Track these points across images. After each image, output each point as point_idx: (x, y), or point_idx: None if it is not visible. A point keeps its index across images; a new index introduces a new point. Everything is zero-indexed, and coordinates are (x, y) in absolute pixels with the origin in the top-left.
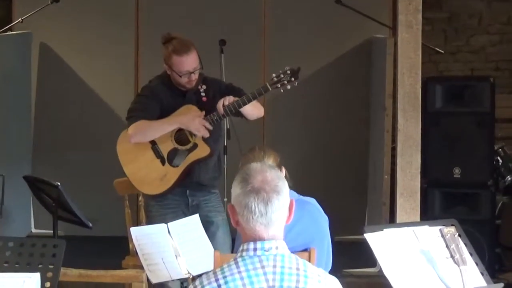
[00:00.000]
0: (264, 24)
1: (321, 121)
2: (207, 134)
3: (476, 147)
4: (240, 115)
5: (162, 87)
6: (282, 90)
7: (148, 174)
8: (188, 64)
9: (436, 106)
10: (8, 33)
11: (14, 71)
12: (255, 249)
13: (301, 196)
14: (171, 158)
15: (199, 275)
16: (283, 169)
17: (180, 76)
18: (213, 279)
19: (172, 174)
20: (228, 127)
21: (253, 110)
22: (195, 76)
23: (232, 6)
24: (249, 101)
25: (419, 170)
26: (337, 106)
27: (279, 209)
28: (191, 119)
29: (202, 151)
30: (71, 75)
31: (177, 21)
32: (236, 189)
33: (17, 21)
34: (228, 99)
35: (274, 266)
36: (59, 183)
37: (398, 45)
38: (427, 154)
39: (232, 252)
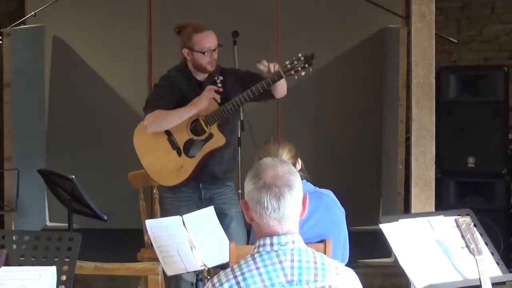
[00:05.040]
0: (277, 15)
1: (334, 112)
2: (217, 96)
3: (490, 137)
4: (268, 96)
5: (180, 77)
6: (296, 77)
7: (165, 165)
8: (210, 40)
9: (450, 96)
10: (21, 27)
11: (27, 65)
12: (271, 244)
13: (318, 188)
14: (187, 149)
15: (215, 267)
16: (299, 161)
17: (204, 54)
18: (231, 276)
19: (189, 165)
20: (241, 118)
21: (285, 84)
22: (216, 55)
23: None
24: (269, 85)
25: (434, 160)
26: (351, 97)
27: (292, 203)
28: (200, 98)
29: (218, 140)
30: (84, 68)
31: (190, 12)
32: (248, 185)
33: (30, 14)
34: (275, 66)
35: (292, 261)
36: (73, 176)
37: (411, 35)
38: (441, 143)
39: (247, 244)
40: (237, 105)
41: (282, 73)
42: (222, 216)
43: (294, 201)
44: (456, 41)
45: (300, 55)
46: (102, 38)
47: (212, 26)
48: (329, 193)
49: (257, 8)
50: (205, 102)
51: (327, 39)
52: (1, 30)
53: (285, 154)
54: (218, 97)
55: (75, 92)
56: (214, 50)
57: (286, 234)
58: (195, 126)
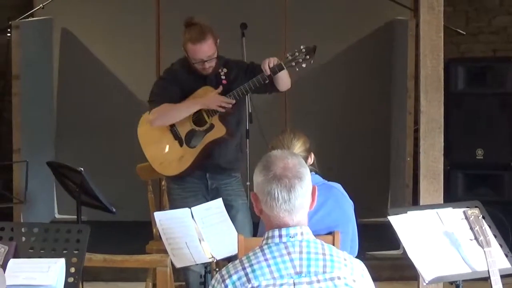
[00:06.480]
0: (286, 8)
1: (343, 104)
2: (229, 105)
3: (498, 128)
4: (272, 88)
5: (183, 70)
6: (297, 69)
7: (167, 155)
8: (201, 52)
9: (458, 88)
10: (29, 19)
11: (36, 57)
12: (280, 236)
13: (326, 181)
14: (188, 140)
15: (223, 259)
16: (312, 155)
17: (194, 63)
18: (239, 268)
19: (190, 155)
20: (250, 111)
21: (287, 78)
22: (209, 64)
23: None
24: (269, 77)
25: (442, 152)
26: (359, 89)
27: (302, 195)
28: (210, 97)
29: (219, 131)
30: (92, 60)
31: (199, 5)
32: (258, 177)
33: (38, 7)
34: (273, 61)
35: (301, 252)
36: (82, 169)
37: (419, 27)
38: (450, 135)
39: (253, 236)
40: (238, 96)
41: (283, 65)
42: (228, 207)
43: (304, 193)
44: (464, 33)
45: (302, 47)
46: (110, 30)
47: (221, 18)
48: (338, 186)
49: (265, 1)
50: (213, 104)
51: (335, 31)
52: (10, 22)
53: (298, 146)
54: (229, 109)
55: (83, 84)
56: (207, 60)
57: (295, 225)
58: (197, 117)
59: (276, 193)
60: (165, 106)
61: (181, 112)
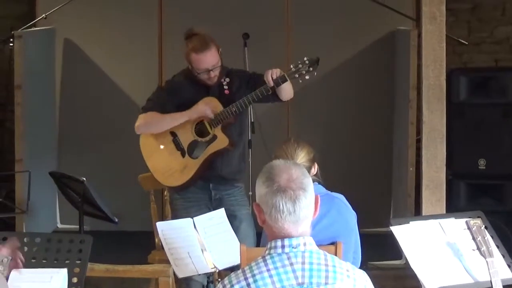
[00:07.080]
0: (288, 17)
1: (345, 114)
2: (211, 115)
3: (501, 138)
4: (274, 98)
5: (185, 82)
6: (300, 81)
7: (169, 166)
8: (206, 62)
9: (460, 98)
10: (32, 29)
11: (38, 67)
12: (283, 246)
13: (329, 192)
14: (191, 150)
15: (225, 269)
16: (316, 165)
17: (198, 74)
18: (242, 278)
19: (192, 166)
20: (252, 120)
21: (290, 88)
22: (214, 73)
23: None
24: (273, 89)
25: (444, 162)
26: (361, 99)
27: (307, 206)
28: (196, 107)
29: (221, 142)
30: (95, 70)
31: (201, 15)
32: (261, 189)
33: (41, 17)
34: (276, 72)
35: (303, 263)
36: (84, 179)
37: (422, 37)
38: (452, 145)
39: (256, 246)
40: (241, 107)
41: (287, 76)
42: (231, 218)
43: (308, 203)
44: (466, 43)
45: (305, 58)
46: (112, 40)
47: (223, 28)
48: (341, 197)
49: (267, 10)
50: (198, 112)
51: (337, 41)
52: (13, 32)
53: (302, 156)
54: (212, 115)
55: (86, 94)
56: (212, 69)
57: (299, 236)
58: (200, 128)
59: (281, 205)
60: (151, 114)
61: (165, 122)
